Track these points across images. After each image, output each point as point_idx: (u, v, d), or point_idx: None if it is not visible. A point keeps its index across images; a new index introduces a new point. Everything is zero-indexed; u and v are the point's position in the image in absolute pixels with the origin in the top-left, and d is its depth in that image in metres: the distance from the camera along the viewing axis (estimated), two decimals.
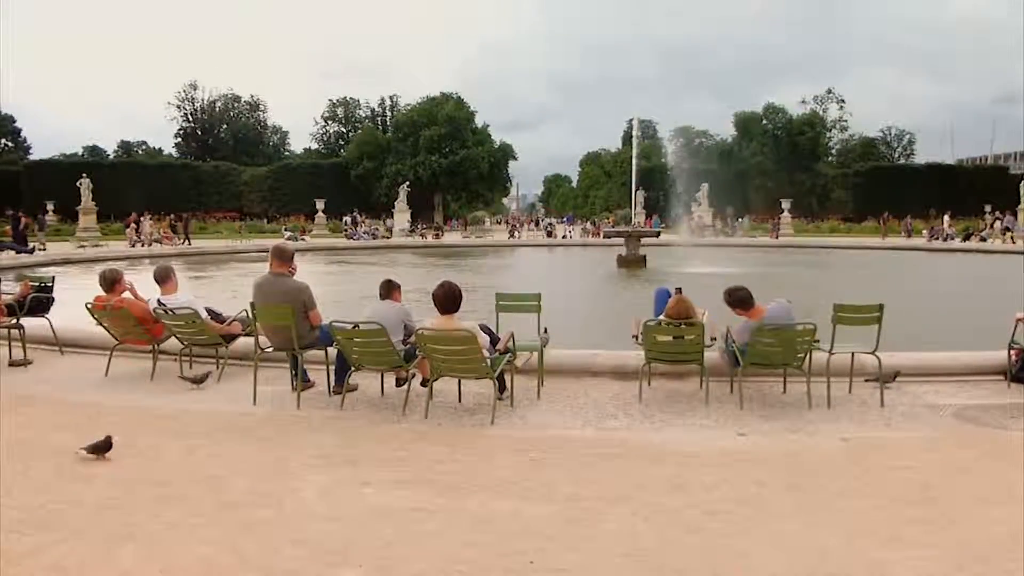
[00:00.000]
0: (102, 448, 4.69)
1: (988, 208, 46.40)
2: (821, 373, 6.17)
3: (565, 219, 52.01)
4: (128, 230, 34.26)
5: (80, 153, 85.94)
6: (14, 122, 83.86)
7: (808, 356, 6.05)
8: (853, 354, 6.45)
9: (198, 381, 5.68)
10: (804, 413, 5.84)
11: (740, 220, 47.15)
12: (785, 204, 47.62)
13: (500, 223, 61.86)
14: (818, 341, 6.03)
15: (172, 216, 35.29)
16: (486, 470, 4.65)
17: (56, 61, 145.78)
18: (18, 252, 24.13)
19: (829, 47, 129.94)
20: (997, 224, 41.22)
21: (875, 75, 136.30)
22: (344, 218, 46.71)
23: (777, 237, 42.65)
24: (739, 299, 6.22)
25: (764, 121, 76.83)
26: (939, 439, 5.29)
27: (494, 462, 4.79)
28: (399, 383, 6.22)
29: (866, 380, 6.52)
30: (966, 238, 37.09)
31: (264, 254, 7.12)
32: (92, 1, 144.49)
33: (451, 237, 46.79)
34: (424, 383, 6.07)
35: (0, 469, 4.48)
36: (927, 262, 27.61)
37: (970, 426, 5.55)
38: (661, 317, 6.40)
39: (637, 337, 6.36)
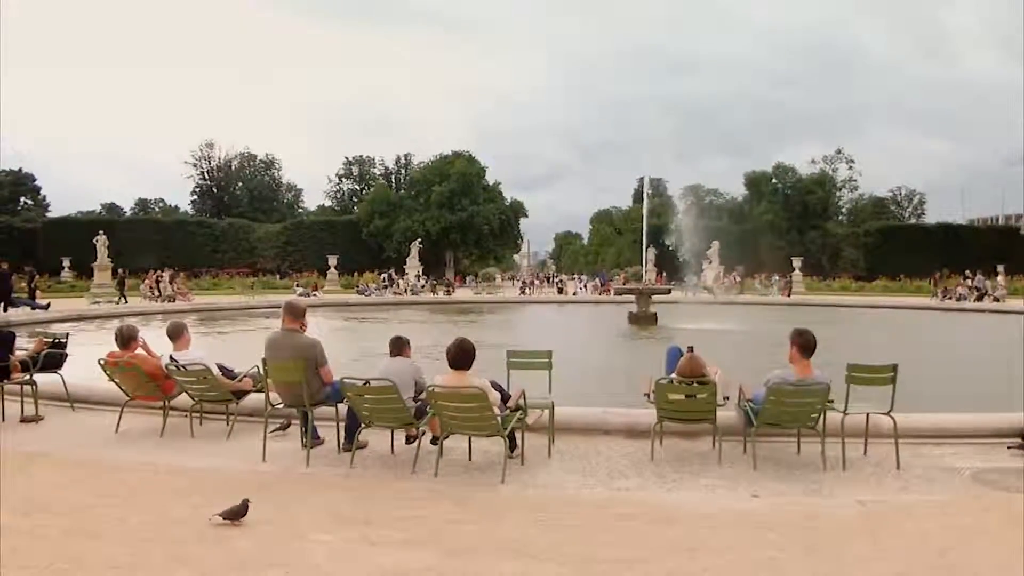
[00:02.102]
0: (238, 513, 4.52)
1: (1000, 268, 46.24)
2: (836, 434, 6.10)
3: (598, 276, 51.84)
4: (143, 286, 34.54)
5: (98, 210, 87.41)
6: (34, 180, 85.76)
7: (822, 416, 5.99)
8: (868, 415, 6.39)
9: (235, 516, 4.65)
10: (819, 475, 5.76)
11: (775, 279, 46.61)
12: (796, 262, 47.68)
13: (512, 280, 61.98)
14: (832, 401, 5.99)
15: (156, 272, 35.03)
16: (496, 530, 4.60)
17: (78, 119, 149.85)
18: (33, 308, 24.34)
19: (841, 106, 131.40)
20: (995, 281, 41.38)
21: (886, 134, 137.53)
22: (382, 275, 47.07)
23: (789, 295, 42.55)
24: (806, 343, 6.10)
25: (774, 180, 77.45)
26: (957, 503, 5.20)
27: (504, 522, 4.74)
28: (409, 440, 6.19)
29: (1008, 447, 6.35)
30: (979, 298, 36.89)
31: (276, 310, 7.17)
32: (114, 60, 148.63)
33: (462, 293, 46.91)
34: (434, 441, 6.05)
35: (3, 529, 4.46)
36: (940, 321, 27.41)
37: (988, 490, 5.45)
38: (673, 375, 6.38)
39: (649, 395, 6.33)
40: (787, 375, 6.03)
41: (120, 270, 34.83)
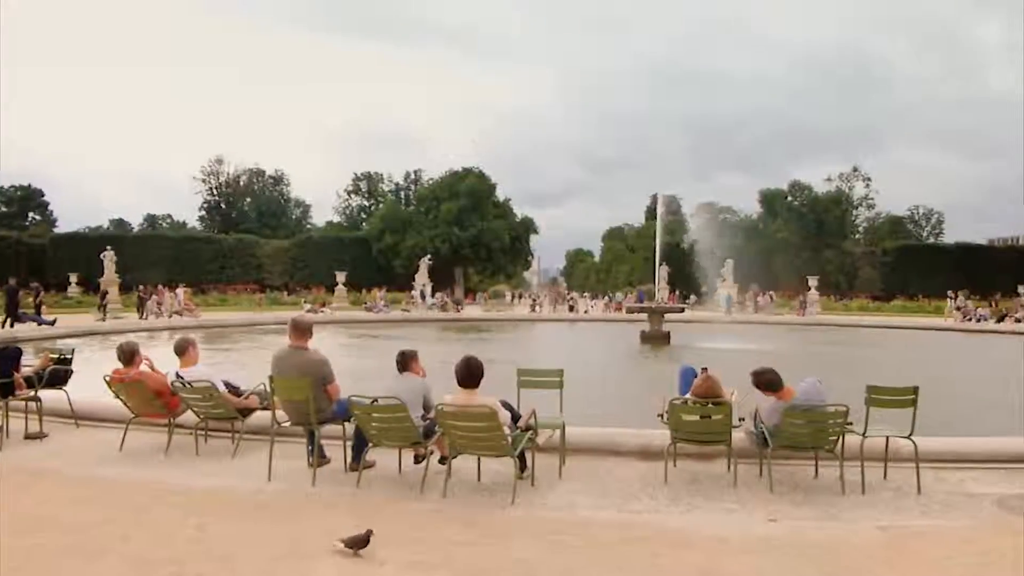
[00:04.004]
0: (361, 542, 4.44)
1: (1022, 290, 45.89)
2: (854, 457, 6.04)
3: (639, 293, 51.59)
4: (150, 301, 34.72)
5: (106, 226, 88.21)
6: (42, 195, 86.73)
7: (841, 439, 5.93)
8: (888, 438, 6.31)
9: (357, 544, 4.48)
10: (838, 499, 5.69)
11: (815, 296, 46.12)
12: (812, 281, 47.40)
13: (527, 297, 61.97)
14: (851, 423, 5.92)
15: (141, 289, 34.84)
16: (505, 552, 4.55)
17: (89, 134, 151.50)
18: (39, 324, 24.49)
19: (858, 123, 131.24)
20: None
21: (903, 152, 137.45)
22: (413, 292, 47.07)
23: (804, 315, 42.32)
24: (767, 382, 6.13)
25: (789, 198, 77.39)
26: (979, 529, 5.12)
27: (513, 544, 4.69)
28: (417, 460, 6.16)
29: None
30: (1000, 319, 36.62)
31: (283, 327, 7.18)
32: (125, 77, 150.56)
33: (471, 311, 46.90)
34: (442, 461, 6.01)
35: (3, 549, 4.45)
36: (961, 343, 27.19)
37: (1013, 516, 5.37)
38: (687, 396, 6.33)
39: (663, 416, 6.29)
40: (777, 405, 5.99)
41: (141, 288, 34.72)
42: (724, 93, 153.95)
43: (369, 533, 4.48)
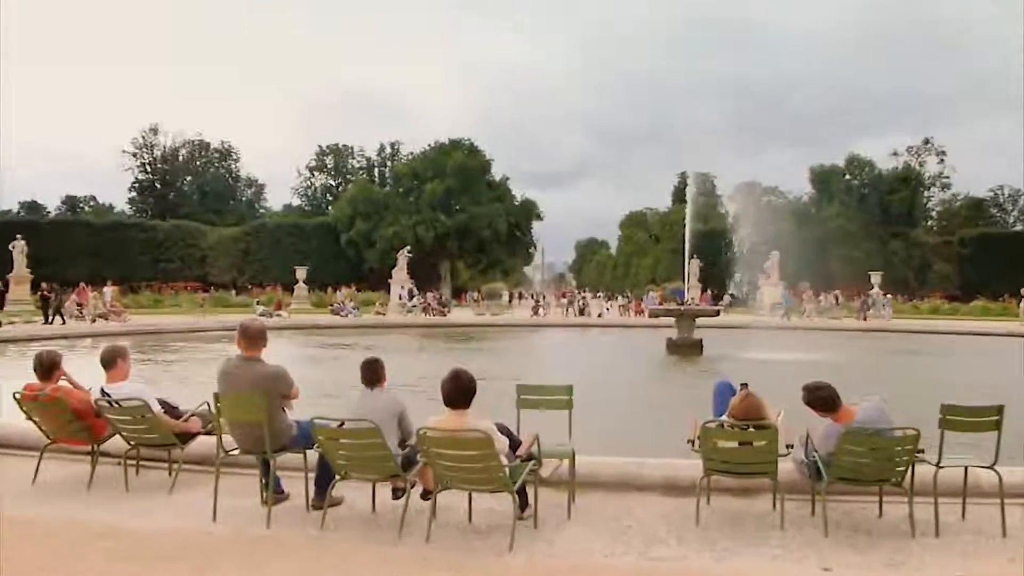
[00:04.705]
0: None
1: None
2: (926, 492, 6.04)
3: (676, 293, 51.65)
4: (70, 302, 34.74)
5: (15, 210, 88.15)
6: None
7: (910, 470, 5.94)
8: (967, 468, 6.32)
9: None
10: (906, 543, 5.70)
11: (886, 298, 46.11)
12: (875, 278, 47.56)
13: (527, 297, 62.03)
14: (922, 451, 5.93)
15: (43, 287, 34.65)
16: None
17: None
18: None
19: (930, 89, 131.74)
20: None
21: (985, 123, 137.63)
22: (400, 293, 47.05)
23: (865, 319, 42.40)
24: (822, 399, 6.13)
25: (847, 176, 77.60)
26: None
27: None
28: (395, 496, 6.16)
29: None
30: None
31: (231, 333, 7.17)
32: (34, 29, 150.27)
33: (461, 314, 46.95)
34: (426, 496, 6.01)
35: None
36: None
37: None
38: (724, 417, 6.33)
39: (693, 443, 6.29)
40: (832, 429, 5.99)
41: (44, 285, 34.82)
42: (770, 52, 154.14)
43: None
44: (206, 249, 72.89)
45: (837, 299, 48.28)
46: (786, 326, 33.99)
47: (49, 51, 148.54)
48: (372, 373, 6.37)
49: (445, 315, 44.48)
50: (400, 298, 45.89)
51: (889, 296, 46.69)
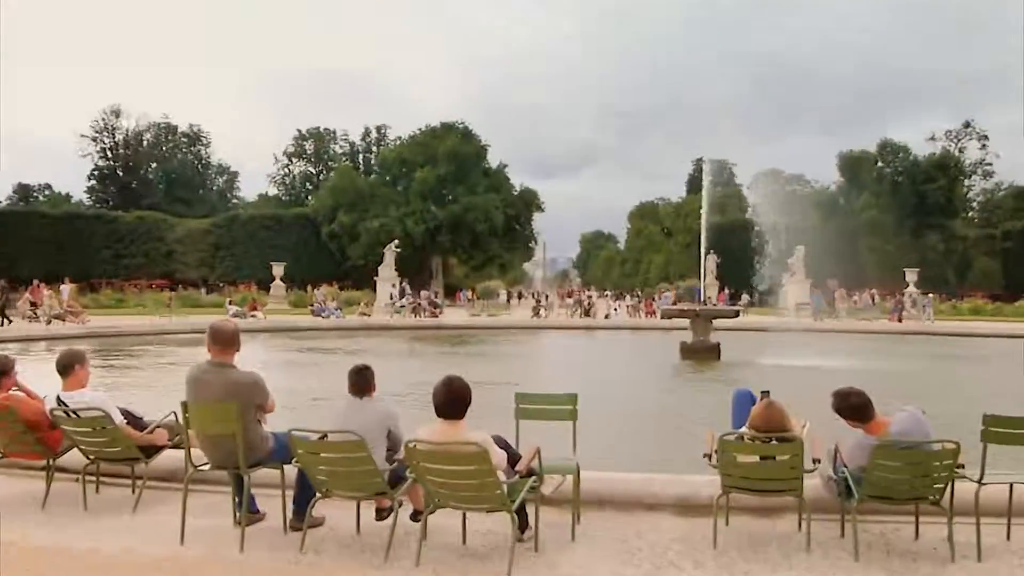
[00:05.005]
0: None
1: None
2: (967, 512, 6.03)
3: (695, 292, 51.49)
4: (21, 302, 34.71)
5: None
6: None
7: (949, 487, 5.93)
8: (1012, 485, 6.32)
9: None
10: (945, 567, 5.70)
11: (927, 297, 46.05)
12: (910, 275, 47.55)
13: (527, 297, 62.11)
14: (962, 466, 5.93)
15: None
16: None
17: None
18: None
19: (970, 68, 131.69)
20: None
21: None
22: (391, 290, 47.04)
23: (900, 320, 42.42)
24: (852, 407, 6.14)
25: (879, 163, 77.63)
26: None
27: None
28: (381, 516, 6.15)
29: None
30: None
31: (201, 336, 7.16)
32: None
33: (454, 315, 47.01)
34: (415, 517, 6.01)
35: None
36: None
37: None
38: (744, 429, 6.33)
39: (710, 457, 6.29)
40: (864, 441, 5.99)
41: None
42: (795, 26, 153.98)
43: None
44: (173, 243, 72.86)
45: (873, 298, 48.30)
46: (813, 328, 33.99)
47: None
48: (362, 381, 6.37)
49: (437, 316, 44.52)
50: (392, 298, 45.93)
51: (931, 295, 46.67)
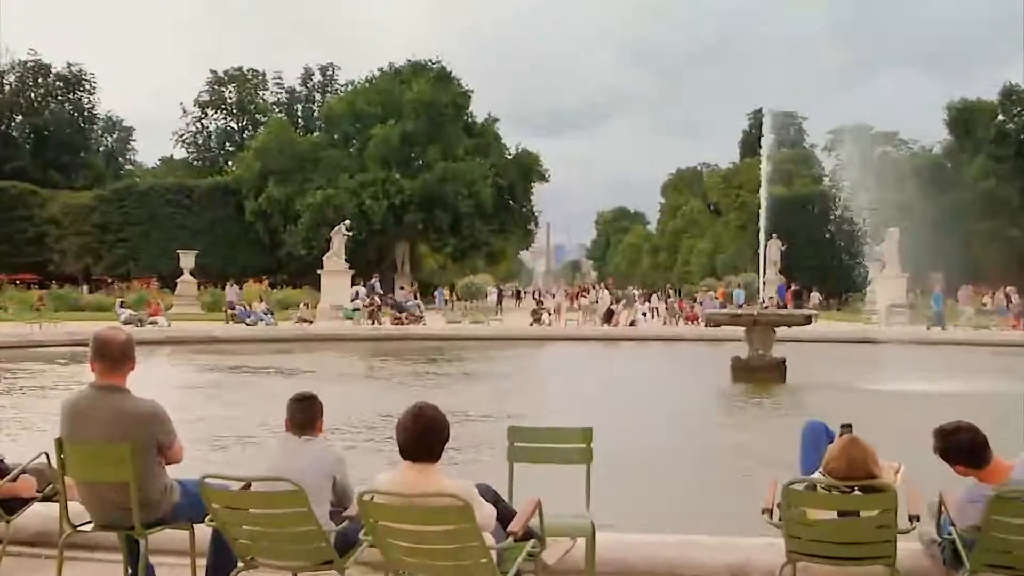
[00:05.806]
0: None
1: None
2: None
3: (777, 290, 50.72)
4: None
5: None
6: None
7: None
8: None
9: None
10: None
11: None
12: None
13: (526, 296, 62.18)
14: None
15: None
16: None
17: None
18: None
19: None
20: None
21: None
22: (356, 288, 46.95)
23: (1022, 326, 42.48)
24: (961, 448, 6.14)
25: (1000, 117, 77.69)
26: None
27: None
28: None
29: None
30: None
31: (83, 349, 7.17)
32: None
33: (427, 321, 46.90)
34: None
35: None
36: None
37: None
38: (817, 475, 6.34)
39: (771, 513, 6.30)
40: (976, 492, 5.99)
41: None
42: None
43: None
44: (44, 224, 72.70)
45: (1010, 299, 48.24)
46: (919, 339, 33.79)
47: None
48: (304, 415, 6.33)
49: (404, 323, 44.32)
50: (355, 296, 45.96)
51: None
